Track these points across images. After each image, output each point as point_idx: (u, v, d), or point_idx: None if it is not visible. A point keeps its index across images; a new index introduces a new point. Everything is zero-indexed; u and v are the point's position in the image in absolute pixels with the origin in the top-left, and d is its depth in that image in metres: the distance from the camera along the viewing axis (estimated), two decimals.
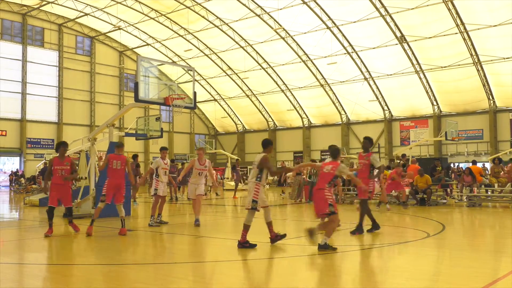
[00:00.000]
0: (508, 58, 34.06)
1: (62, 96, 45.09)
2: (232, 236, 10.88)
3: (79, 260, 7.95)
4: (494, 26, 32.25)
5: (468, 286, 5.92)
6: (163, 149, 12.76)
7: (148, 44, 47.46)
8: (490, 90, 37.48)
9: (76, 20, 44.59)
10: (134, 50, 49.08)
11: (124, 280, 6.42)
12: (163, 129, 22.81)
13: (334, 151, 8.99)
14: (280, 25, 39.36)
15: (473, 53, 35.08)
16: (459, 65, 36.05)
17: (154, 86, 14.26)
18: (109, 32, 46.34)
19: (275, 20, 39.13)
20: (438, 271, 6.73)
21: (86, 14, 42.80)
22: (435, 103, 40.66)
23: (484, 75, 36.42)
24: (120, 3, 40.24)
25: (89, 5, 41.27)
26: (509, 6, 30.71)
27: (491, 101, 38.09)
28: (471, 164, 19.56)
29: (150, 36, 46.37)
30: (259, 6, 38.35)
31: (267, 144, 8.70)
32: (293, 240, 10.07)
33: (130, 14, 42.47)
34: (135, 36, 46.56)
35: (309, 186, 20.19)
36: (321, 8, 36.60)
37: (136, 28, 45.14)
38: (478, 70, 36.11)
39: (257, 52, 44.24)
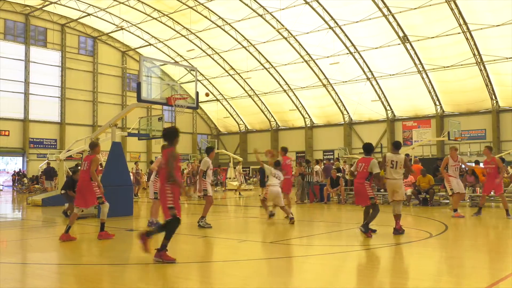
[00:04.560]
0: (511, 58, 33.99)
1: (64, 96, 45.16)
2: (235, 236, 10.89)
3: (82, 260, 7.97)
4: (497, 26, 32.18)
5: (470, 286, 5.91)
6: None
7: (150, 44, 47.51)
8: (493, 90, 37.41)
9: (78, 20, 44.67)
10: (136, 50, 49.14)
11: (127, 280, 6.43)
12: None
13: (367, 147, 9.96)
14: (283, 25, 39.35)
15: (476, 53, 35.02)
16: (461, 65, 35.98)
17: (156, 86, 14.31)
18: (112, 32, 46.40)
19: (277, 20, 39.12)
20: (440, 272, 6.72)
21: (89, 14, 42.86)
22: (437, 103, 40.59)
23: (487, 75, 36.35)
24: (122, 3, 40.29)
25: (91, 5, 41.34)
26: (511, 5, 30.64)
27: (494, 101, 38.02)
28: (473, 164, 19.53)
29: (153, 36, 46.42)
30: (262, 6, 38.35)
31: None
32: (296, 240, 10.07)
33: (133, 14, 42.52)
34: (138, 36, 46.61)
35: (311, 187, 20.22)
36: (324, 8, 36.58)
37: (139, 28, 45.19)
38: (481, 70, 36.05)
39: (259, 52, 44.24)
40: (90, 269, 7.13)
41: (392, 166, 9.94)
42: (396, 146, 10.30)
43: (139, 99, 12.72)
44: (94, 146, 10.13)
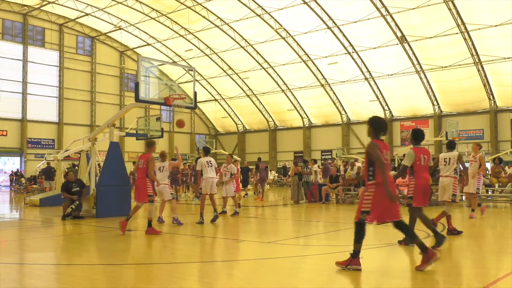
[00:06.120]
0: (509, 58, 34.03)
1: (62, 96, 45.11)
2: (232, 236, 10.90)
3: (81, 260, 7.96)
4: (495, 26, 32.22)
5: (468, 286, 5.92)
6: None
7: (148, 44, 47.48)
8: (490, 90, 37.46)
9: (77, 20, 44.63)
10: (134, 50, 49.10)
11: (126, 280, 6.43)
12: (164, 129, 22.81)
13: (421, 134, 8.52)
14: (281, 25, 39.36)
15: (474, 53, 35.06)
16: (460, 65, 36.02)
17: (154, 86, 14.29)
18: (110, 32, 46.36)
19: (275, 20, 39.13)
20: (437, 271, 6.71)
21: (87, 14, 42.82)
22: (435, 103, 40.64)
23: (485, 75, 36.40)
24: (120, 3, 40.25)
25: (90, 5, 41.29)
26: (510, 6, 30.69)
27: (492, 101, 38.07)
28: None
29: (151, 36, 46.38)
30: (260, 6, 38.35)
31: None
32: (293, 240, 10.08)
33: (131, 14, 42.49)
34: (136, 36, 46.58)
35: (309, 187, 20.22)
36: (322, 8, 36.60)
37: (137, 28, 45.16)
38: (478, 70, 36.09)
39: (257, 52, 44.24)
40: (88, 269, 7.12)
41: (445, 164, 9.97)
42: (449, 146, 10.30)
43: (137, 99, 12.72)
44: (151, 145, 10.68)
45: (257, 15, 39.21)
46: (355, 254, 6.47)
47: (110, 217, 13.39)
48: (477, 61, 35.48)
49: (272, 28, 39.96)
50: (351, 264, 6.44)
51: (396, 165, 24.41)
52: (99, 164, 17.25)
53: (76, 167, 21.60)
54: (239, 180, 20.30)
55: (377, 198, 6.21)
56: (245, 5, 38.35)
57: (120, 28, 44.50)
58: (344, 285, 6.09)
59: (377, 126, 6.52)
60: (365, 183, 6.46)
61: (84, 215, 13.91)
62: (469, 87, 37.76)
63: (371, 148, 6.32)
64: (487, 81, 36.87)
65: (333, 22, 37.61)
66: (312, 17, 37.45)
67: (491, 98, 37.91)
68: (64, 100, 45.17)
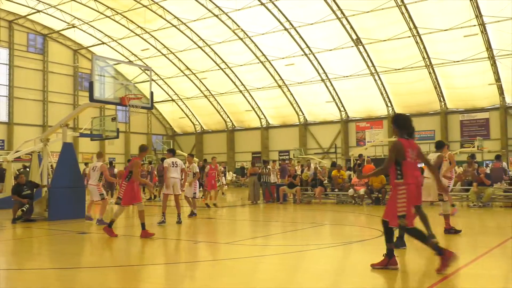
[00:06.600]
0: (458, 61, 35.28)
1: (13, 95, 43.56)
2: (190, 237, 10.83)
3: (32, 264, 7.71)
4: (445, 30, 33.33)
5: (414, 285, 6.09)
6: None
7: (103, 43, 46.49)
8: (441, 92, 38.72)
9: (27, 17, 43.20)
10: (89, 48, 47.97)
11: (80, 284, 6.27)
12: (119, 130, 22.39)
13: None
14: (238, 26, 39.38)
15: (425, 56, 36.13)
16: (412, 67, 37.05)
17: (110, 86, 14.05)
18: (63, 30, 45.12)
19: (233, 20, 39.12)
20: (387, 270, 6.84)
21: (39, 11, 41.51)
22: (389, 104, 41.63)
23: (436, 78, 37.60)
24: (74, 0, 39.23)
25: (41, 1, 40.05)
26: (460, 11, 31.82)
27: (442, 103, 39.36)
28: (423, 164, 20.12)
29: (106, 35, 45.44)
30: (217, 6, 38.24)
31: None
32: (251, 240, 10.11)
33: (85, 12, 41.47)
34: (90, 35, 45.52)
35: (268, 187, 20.33)
36: (279, 9, 36.85)
37: (91, 26, 44.13)
38: (430, 73, 37.23)
39: (215, 53, 44.10)
40: (40, 274, 6.91)
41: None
42: (437, 146, 10.21)
43: (91, 98, 12.47)
44: (141, 149, 10.46)
45: (215, 15, 39.09)
46: (439, 250, 6.23)
47: (63, 220, 13.06)
48: (428, 64, 36.59)
49: (230, 28, 39.90)
50: (444, 261, 6.19)
51: (351, 165, 24.91)
52: (51, 166, 16.78)
53: (28, 169, 20.92)
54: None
55: (410, 199, 6.10)
56: (202, 5, 38.15)
57: (73, 26, 43.35)
58: (301, 285, 6.15)
59: (401, 124, 6.41)
60: (391, 182, 6.35)
61: (36, 218, 13.49)
62: (421, 89, 38.88)
63: (391, 148, 6.26)
64: (438, 84, 38.09)
65: (290, 23, 37.93)
66: (270, 19, 37.65)
67: (442, 100, 39.20)
68: (15, 100, 43.63)
